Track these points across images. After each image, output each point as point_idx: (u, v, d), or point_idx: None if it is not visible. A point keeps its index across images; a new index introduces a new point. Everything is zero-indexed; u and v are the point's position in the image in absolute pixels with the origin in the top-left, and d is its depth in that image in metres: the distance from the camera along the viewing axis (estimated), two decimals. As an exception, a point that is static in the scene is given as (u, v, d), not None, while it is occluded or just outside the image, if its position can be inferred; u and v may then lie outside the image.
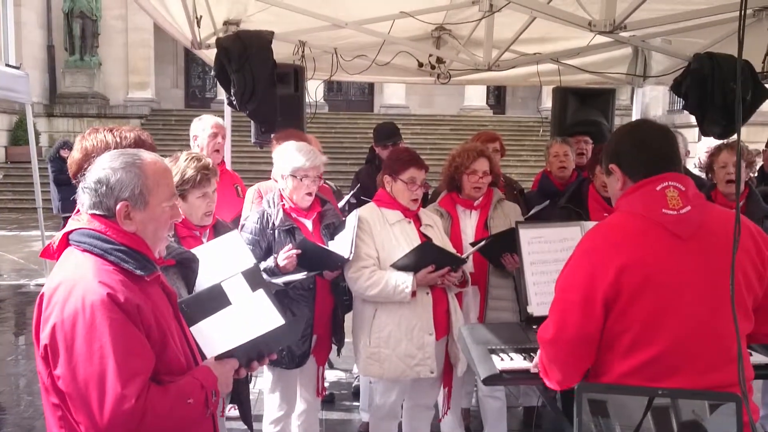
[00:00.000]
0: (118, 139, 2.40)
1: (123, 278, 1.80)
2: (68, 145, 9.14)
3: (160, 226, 1.93)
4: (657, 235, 2.08)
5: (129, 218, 1.87)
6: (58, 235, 1.93)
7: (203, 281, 2.56)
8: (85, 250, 1.84)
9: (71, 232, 1.88)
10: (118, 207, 1.85)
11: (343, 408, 5.15)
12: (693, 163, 4.20)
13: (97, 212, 1.87)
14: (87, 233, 1.85)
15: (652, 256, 2.06)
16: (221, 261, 2.83)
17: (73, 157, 2.43)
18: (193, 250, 2.70)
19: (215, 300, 2.16)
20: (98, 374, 1.68)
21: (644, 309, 2.04)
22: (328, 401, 5.03)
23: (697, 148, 8.76)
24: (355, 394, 5.22)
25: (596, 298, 2.07)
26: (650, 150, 2.19)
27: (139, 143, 2.39)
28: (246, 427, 3.40)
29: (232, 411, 3.69)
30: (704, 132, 4.74)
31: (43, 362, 1.78)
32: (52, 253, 1.93)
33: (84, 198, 1.89)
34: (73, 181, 2.19)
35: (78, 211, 2.05)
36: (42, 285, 6.66)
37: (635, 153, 2.21)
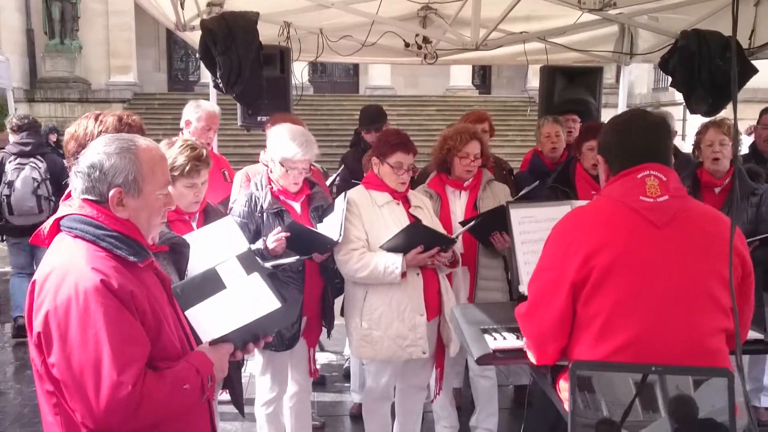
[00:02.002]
0: (100, 125, 2.38)
1: (116, 264, 1.78)
2: (55, 130, 8.94)
3: (153, 213, 1.91)
4: (631, 221, 2.12)
5: (122, 205, 1.84)
6: (49, 220, 1.90)
7: (196, 266, 2.55)
8: (76, 236, 1.81)
9: (62, 217, 1.86)
10: (111, 193, 1.82)
11: (334, 390, 5.17)
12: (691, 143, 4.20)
13: (90, 197, 1.84)
14: (79, 219, 1.82)
15: (623, 240, 2.10)
16: (215, 246, 2.81)
17: (65, 139, 2.43)
18: (186, 236, 2.68)
19: (210, 284, 2.15)
20: (94, 361, 1.67)
21: (613, 292, 2.08)
22: (320, 383, 5.04)
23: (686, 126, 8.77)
24: (346, 375, 5.24)
25: (565, 280, 2.13)
26: (632, 143, 2.23)
27: (119, 127, 2.38)
28: (237, 411, 3.40)
29: (224, 395, 3.68)
30: (691, 110, 4.76)
31: (37, 350, 1.77)
32: (42, 239, 1.90)
33: (76, 182, 1.86)
34: (66, 165, 2.20)
35: (68, 195, 2.02)
36: (29, 274, 6.47)
37: (618, 146, 2.27)
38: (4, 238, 6.30)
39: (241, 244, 2.93)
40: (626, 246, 2.09)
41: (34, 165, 5.82)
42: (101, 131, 2.41)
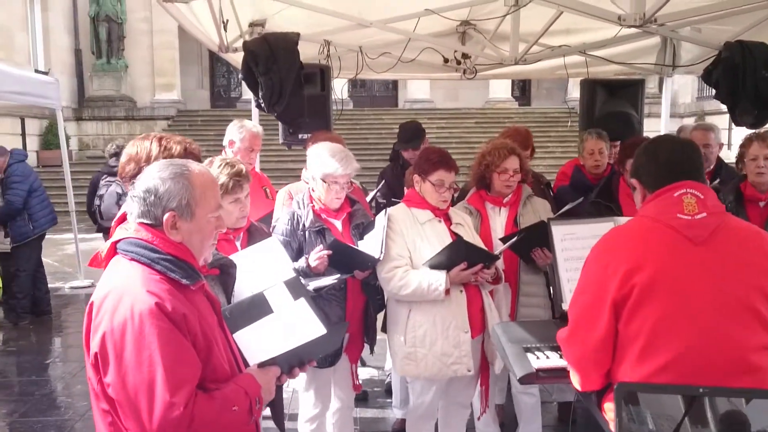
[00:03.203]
0: (164, 150, 2.45)
1: (170, 287, 1.84)
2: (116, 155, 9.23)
3: (205, 236, 1.96)
4: (669, 239, 2.11)
5: (175, 228, 1.90)
6: (106, 244, 1.98)
7: (243, 287, 2.60)
8: (132, 259, 1.88)
9: (119, 241, 1.92)
10: (165, 217, 1.88)
11: (376, 405, 5.18)
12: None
13: (145, 221, 1.90)
14: (134, 242, 1.89)
15: (663, 258, 2.08)
16: (260, 267, 2.86)
17: (121, 161, 2.51)
18: (232, 257, 2.73)
19: (257, 308, 2.19)
20: (147, 382, 1.72)
21: (654, 311, 2.06)
22: (362, 399, 5.06)
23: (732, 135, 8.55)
24: (388, 391, 5.24)
25: (606, 300, 2.11)
26: (664, 162, 2.24)
27: (183, 157, 2.44)
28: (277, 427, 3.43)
29: (265, 411, 3.72)
30: (736, 122, 4.69)
31: (94, 369, 1.83)
32: (99, 262, 1.97)
33: (132, 206, 1.92)
34: (122, 184, 2.30)
35: (122, 218, 2.09)
36: (76, 288, 6.83)
37: (651, 166, 2.28)
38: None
39: (285, 265, 2.98)
40: (666, 264, 2.08)
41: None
42: (165, 157, 2.45)
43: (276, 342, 2.10)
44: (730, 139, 15.02)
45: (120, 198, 7.28)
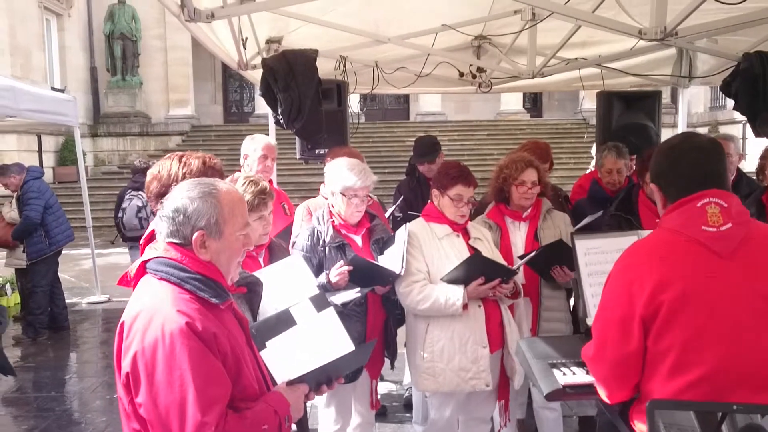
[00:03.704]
0: (184, 166, 2.47)
1: (199, 306, 1.85)
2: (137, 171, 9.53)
3: (233, 254, 1.97)
4: (695, 253, 2.06)
5: (204, 247, 1.91)
6: (136, 263, 1.99)
7: (268, 304, 2.60)
8: (162, 279, 1.89)
9: (148, 260, 1.93)
10: (194, 236, 1.89)
11: (395, 420, 5.16)
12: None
13: (174, 240, 1.91)
14: (164, 262, 1.90)
15: (690, 273, 2.04)
16: (285, 284, 2.87)
17: (146, 180, 2.57)
18: (256, 273, 2.74)
19: (284, 324, 2.20)
20: (179, 402, 1.73)
21: (684, 328, 2.02)
22: (381, 414, 5.03)
23: (747, 144, 8.49)
24: (407, 405, 5.22)
25: (634, 316, 2.07)
26: (686, 170, 2.18)
27: (203, 170, 2.46)
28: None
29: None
30: (756, 133, 4.66)
31: (125, 389, 1.84)
32: (128, 281, 1.99)
33: (161, 226, 1.94)
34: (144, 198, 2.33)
35: (149, 236, 2.10)
36: (94, 303, 6.90)
37: (671, 173, 2.21)
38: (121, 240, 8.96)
39: (309, 281, 2.98)
40: (694, 280, 2.04)
41: (140, 197, 7.93)
42: (185, 173, 2.49)
43: (304, 359, 2.10)
44: (744, 149, 14.92)
45: (140, 210, 8.02)
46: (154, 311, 1.81)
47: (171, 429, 1.73)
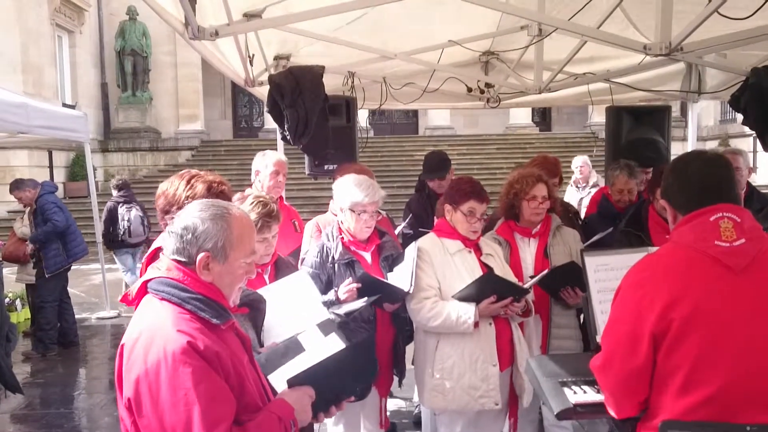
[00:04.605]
0: (189, 188, 2.49)
1: (200, 326, 1.84)
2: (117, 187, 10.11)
3: (235, 280, 1.97)
4: (707, 268, 2.04)
5: (207, 269, 1.90)
6: (137, 282, 1.98)
7: (272, 322, 2.60)
8: (163, 299, 1.88)
9: (150, 280, 1.93)
10: (199, 257, 1.89)
11: (404, 437, 5.12)
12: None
13: (179, 258, 1.91)
14: (165, 282, 1.89)
15: (702, 289, 2.02)
16: (290, 300, 2.86)
17: (157, 193, 2.62)
18: (261, 290, 2.74)
19: (292, 351, 2.20)
20: (185, 422, 1.72)
21: (696, 345, 2.00)
22: (391, 431, 4.99)
23: (757, 158, 8.43)
24: (416, 423, 5.18)
25: (644, 332, 2.06)
26: (696, 183, 2.18)
27: (206, 195, 2.48)
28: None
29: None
30: (766, 147, 4.62)
31: (128, 411, 1.82)
32: (130, 301, 1.98)
33: (168, 241, 1.93)
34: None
35: (152, 254, 2.10)
36: (103, 318, 6.91)
37: (680, 188, 2.22)
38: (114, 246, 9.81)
39: (314, 298, 2.98)
40: (706, 296, 2.02)
41: (136, 208, 9.61)
42: (189, 196, 2.51)
43: (301, 366, 2.10)
44: (755, 162, 14.83)
45: (143, 220, 9.65)
46: (154, 333, 1.80)
47: (177, 449, 1.72)
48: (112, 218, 9.58)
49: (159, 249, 2.58)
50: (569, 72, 5.60)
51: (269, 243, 3.17)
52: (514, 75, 5.69)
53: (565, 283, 3.66)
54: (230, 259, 1.92)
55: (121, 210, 9.55)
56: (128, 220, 9.47)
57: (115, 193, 9.89)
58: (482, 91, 6.08)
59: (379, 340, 3.55)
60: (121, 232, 9.47)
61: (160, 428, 1.74)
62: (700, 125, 19.87)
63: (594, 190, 7.30)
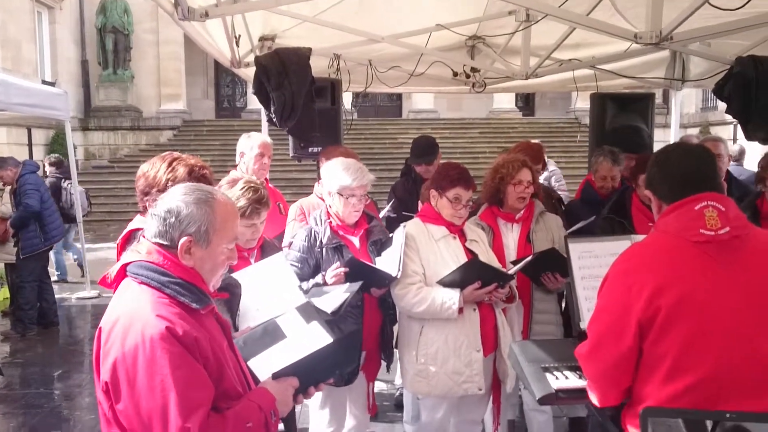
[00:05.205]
0: (170, 171, 2.47)
1: (180, 311, 1.82)
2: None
3: (216, 265, 1.95)
4: (692, 256, 2.07)
5: (189, 253, 1.88)
6: (116, 266, 1.95)
7: (248, 305, 2.59)
8: (142, 282, 1.85)
9: (129, 263, 1.90)
10: (181, 241, 1.86)
11: (386, 419, 5.16)
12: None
13: (161, 241, 1.88)
14: (145, 266, 1.87)
15: (688, 277, 2.05)
16: (265, 283, 2.85)
17: (137, 174, 2.58)
18: (236, 274, 2.72)
19: (271, 335, 2.19)
20: (161, 408, 1.70)
21: (682, 332, 2.03)
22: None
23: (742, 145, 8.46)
24: (398, 405, 5.22)
25: (631, 320, 2.08)
26: (679, 172, 2.20)
27: (187, 179, 2.45)
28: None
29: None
30: (748, 137, 4.67)
31: (105, 396, 1.80)
32: (109, 283, 1.95)
33: (151, 224, 1.91)
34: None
35: (126, 236, 2.07)
36: (83, 298, 6.86)
37: (665, 177, 2.24)
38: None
39: (291, 280, 2.97)
40: (692, 284, 2.04)
41: (70, 183, 9.57)
42: (170, 179, 2.48)
43: (287, 357, 2.09)
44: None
45: (86, 193, 10.16)
46: (133, 317, 1.77)
47: (153, 435, 1.70)
48: (56, 194, 9.38)
49: (133, 231, 2.56)
50: (555, 58, 5.61)
51: (257, 229, 3.16)
52: (501, 60, 5.69)
53: (546, 268, 3.69)
54: (213, 244, 1.90)
55: (64, 186, 9.65)
56: (72, 194, 9.49)
57: (51, 170, 9.82)
58: (468, 76, 6.07)
59: (366, 325, 3.54)
60: (68, 206, 9.44)
61: (136, 413, 1.73)
62: (682, 112, 19.92)
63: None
